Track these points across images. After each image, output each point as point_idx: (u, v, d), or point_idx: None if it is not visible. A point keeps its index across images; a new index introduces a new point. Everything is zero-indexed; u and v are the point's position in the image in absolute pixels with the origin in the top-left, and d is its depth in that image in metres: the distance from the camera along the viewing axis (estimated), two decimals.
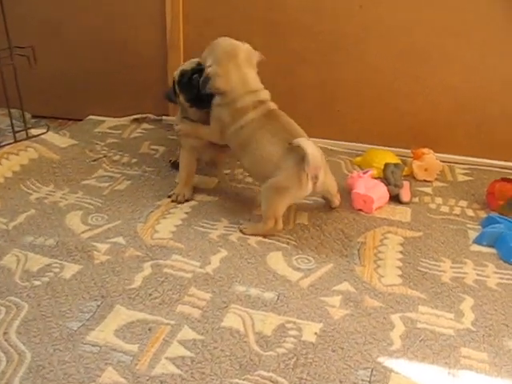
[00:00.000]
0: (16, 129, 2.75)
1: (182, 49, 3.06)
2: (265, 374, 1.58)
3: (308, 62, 2.91)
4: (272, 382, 1.55)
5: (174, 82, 2.41)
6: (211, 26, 2.93)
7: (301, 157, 2.06)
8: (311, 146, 2.06)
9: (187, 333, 1.72)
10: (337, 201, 2.41)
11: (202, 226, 2.24)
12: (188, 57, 2.98)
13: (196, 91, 2.28)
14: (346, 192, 2.50)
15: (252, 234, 2.20)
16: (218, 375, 1.57)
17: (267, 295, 1.89)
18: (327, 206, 2.43)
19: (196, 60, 2.36)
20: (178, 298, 1.85)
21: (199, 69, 2.29)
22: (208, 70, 2.23)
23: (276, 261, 2.06)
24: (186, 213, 2.33)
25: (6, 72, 2.63)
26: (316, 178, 2.11)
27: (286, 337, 1.72)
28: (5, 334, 1.72)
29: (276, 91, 2.94)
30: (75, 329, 1.73)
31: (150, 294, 1.87)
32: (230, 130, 2.24)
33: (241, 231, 2.22)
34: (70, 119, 3.35)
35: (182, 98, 2.38)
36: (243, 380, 1.56)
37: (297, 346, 1.69)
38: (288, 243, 2.17)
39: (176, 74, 2.40)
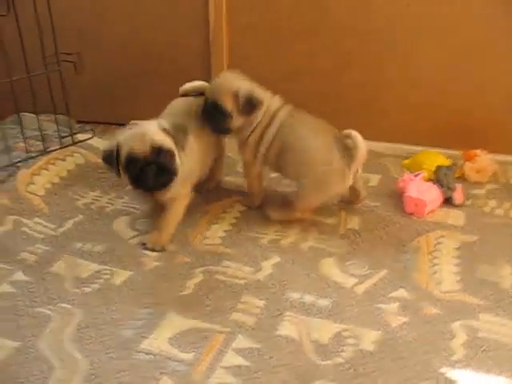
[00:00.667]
0: (62, 134, 2.75)
1: (225, 54, 3.02)
2: None
3: (354, 62, 2.85)
4: None
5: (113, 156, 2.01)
6: (255, 31, 2.91)
7: (344, 149, 2.09)
8: (360, 138, 2.07)
9: (242, 341, 1.68)
10: (364, 192, 2.37)
11: (252, 232, 2.20)
12: (232, 63, 2.98)
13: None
14: (397, 195, 2.44)
15: (278, 220, 2.25)
16: None
17: (322, 302, 1.84)
18: (354, 199, 2.38)
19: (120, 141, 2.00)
20: (231, 306, 1.82)
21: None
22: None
23: (329, 267, 2.02)
24: (235, 218, 2.29)
25: (50, 78, 2.64)
26: (357, 171, 2.12)
27: (343, 345, 1.67)
28: (60, 341, 1.71)
29: (321, 92, 2.92)
30: (128, 337, 1.71)
31: (203, 302, 1.84)
32: (262, 148, 2.22)
33: (268, 215, 2.27)
34: (112, 124, 3.34)
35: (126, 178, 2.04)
36: None
37: (355, 355, 1.64)
38: (340, 248, 2.12)
39: (123, 154, 1.97)
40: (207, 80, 3.08)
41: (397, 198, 2.43)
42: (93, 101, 3.30)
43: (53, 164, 2.62)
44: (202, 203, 2.39)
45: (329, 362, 1.61)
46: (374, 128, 2.90)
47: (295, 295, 1.86)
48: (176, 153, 1.98)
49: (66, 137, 2.73)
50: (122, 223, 2.27)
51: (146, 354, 1.64)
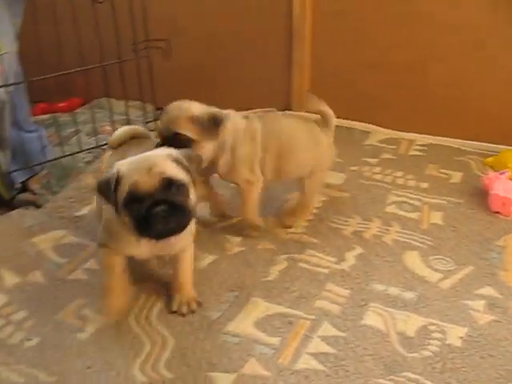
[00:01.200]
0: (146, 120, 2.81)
1: (308, 43, 3.00)
2: (411, 376, 1.52)
3: (440, 56, 2.79)
4: None
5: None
6: (340, 19, 2.88)
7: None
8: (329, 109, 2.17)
9: (328, 329, 1.68)
10: None
11: (334, 222, 2.20)
12: (314, 51, 2.97)
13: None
14: (480, 193, 2.38)
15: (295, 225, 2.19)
16: (363, 374, 1.53)
17: (407, 295, 1.82)
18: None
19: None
20: (315, 294, 1.82)
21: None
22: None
23: (412, 260, 1.99)
24: (317, 208, 2.29)
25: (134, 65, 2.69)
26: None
27: (430, 339, 1.65)
28: (146, 318, 1.75)
29: (402, 88, 2.87)
30: (214, 318, 1.74)
31: (288, 288, 1.85)
32: (257, 159, 2.05)
33: (287, 227, 2.18)
34: None
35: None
36: (388, 381, 1.51)
37: (442, 349, 1.62)
38: (423, 243, 2.09)
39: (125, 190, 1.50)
40: (291, 75, 3.11)
41: (480, 195, 2.38)
42: (175, 88, 3.33)
43: None
44: (284, 191, 2.39)
45: (416, 354, 1.59)
46: (458, 125, 2.86)
47: (380, 287, 1.85)
48: (190, 187, 1.56)
49: (150, 122, 2.78)
50: (204, 208, 2.29)
51: (233, 336, 1.67)
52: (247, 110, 3.15)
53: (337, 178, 2.51)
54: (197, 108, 1.92)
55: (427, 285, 1.88)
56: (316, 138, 2.13)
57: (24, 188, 2.52)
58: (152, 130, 2.78)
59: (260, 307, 1.77)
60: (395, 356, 1.59)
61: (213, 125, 1.89)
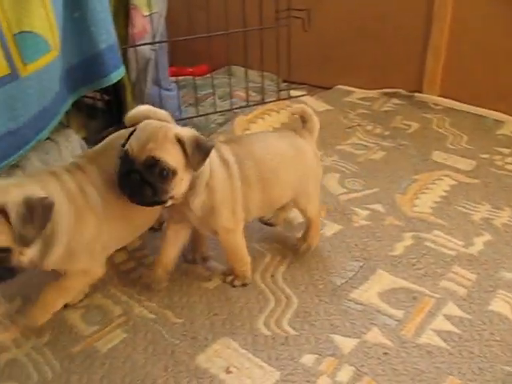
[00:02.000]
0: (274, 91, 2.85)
1: (447, 25, 2.93)
2: None
3: None
4: None
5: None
6: (482, 3, 2.78)
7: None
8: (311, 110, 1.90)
9: (453, 309, 1.67)
10: None
11: (463, 207, 2.16)
12: (453, 34, 2.90)
13: None
14: None
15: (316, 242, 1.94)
16: (488, 358, 1.51)
17: None
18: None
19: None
20: (441, 273, 1.81)
21: None
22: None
23: None
24: (445, 191, 2.25)
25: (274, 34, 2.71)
26: None
27: None
28: (272, 276, 1.81)
29: None
30: (339, 284, 1.77)
31: (413, 265, 1.84)
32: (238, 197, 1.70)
33: (309, 248, 1.92)
34: (317, 87, 3.39)
35: None
36: None
37: None
38: None
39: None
40: (423, 49, 3.03)
41: None
42: (302, 63, 3.35)
43: (268, 115, 2.74)
44: (411, 172, 2.38)
45: None
46: None
47: (509, 275, 1.80)
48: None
49: (283, 90, 2.82)
50: (332, 179, 2.32)
51: (356, 303, 1.69)
52: (372, 89, 3.15)
53: (466, 165, 2.46)
54: (179, 128, 1.56)
55: None
56: (299, 150, 1.80)
57: None
58: (283, 99, 2.83)
59: (385, 279, 1.78)
60: None
61: (201, 153, 1.52)
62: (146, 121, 1.56)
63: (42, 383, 1.48)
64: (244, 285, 1.77)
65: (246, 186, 1.68)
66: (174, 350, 1.56)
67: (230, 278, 1.79)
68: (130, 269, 1.88)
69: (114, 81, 2.28)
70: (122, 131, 1.73)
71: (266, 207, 1.81)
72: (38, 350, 1.58)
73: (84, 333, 1.63)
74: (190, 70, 3.42)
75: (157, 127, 1.51)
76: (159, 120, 1.61)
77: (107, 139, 1.77)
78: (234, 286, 1.77)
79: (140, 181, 1.48)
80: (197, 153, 1.50)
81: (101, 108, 2.57)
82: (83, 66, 2.21)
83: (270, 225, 2.04)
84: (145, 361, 1.53)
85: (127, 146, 1.50)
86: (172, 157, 1.48)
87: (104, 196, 1.59)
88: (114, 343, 1.59)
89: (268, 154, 1.73)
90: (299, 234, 1.97)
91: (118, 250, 1.81)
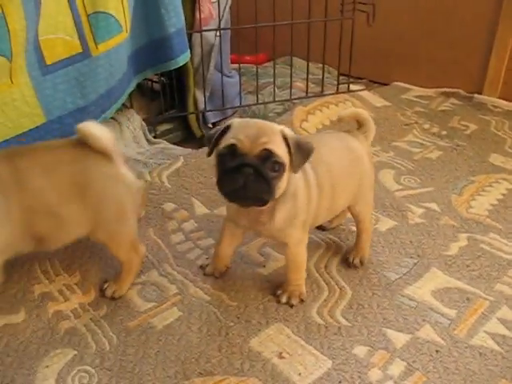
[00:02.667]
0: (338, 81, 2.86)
1: None
2: None
3: None
4: None
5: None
6: None
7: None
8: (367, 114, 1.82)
9: (507, 313, 1.66)
10: None
11: None
12: None
13: None
14: None
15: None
16: None
17: None
18: None
19: None
20: (496, 276, 1.80)
21: None
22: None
23: None
24: (503, 194, 2.24)
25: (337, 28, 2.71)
26: None
27: None
28: (326, 267, 1.83)
29: None
30: (393, 279, 1.78)
31: (468, 266, 1.84)
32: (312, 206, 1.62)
33: (356, 265, 1.84)
34: (374, 82, 3.39)
35: None
36: None
37: None
38: None
39: None
40: (487, 50, 2.98)
41: None
42: (359, 56, 3.34)
43: (326, 107, 2.75)
44: (468, 173, 2.36)
45: None
46: None
47: None
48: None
49: (342, 84, 2.83)
50: (388, 175, 2.32)
51: (410, 299, 1.70)
52: (428, 87, 3.12)
53: None
54: (284, 127, 1.49)
55: None
56: (357, 154, 1.73)
57: None
58: (343, 92, 2.84)
59: (439, 278, 1.78)
60: None
61: (303, 154, 1.47)
62: (245, 119, 1.51)
63: (100, 353, 1.53)
64: (302, 301, 1.69)
65: (320, 194, 1.62)
66: (228, 331, 1.59)
67: (284, 298, 1.69)
68: (186, 250, 1.91)
69: (180, 64, 2.34)
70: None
71: (330, 215, 1.78)
72: (96, 321, 1.63)
73: (140, 308, 1.68)
74: (249, 58, 3.45)
75: (262, 122, 1.48)
76: (100, 146, 1.55)
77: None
78: (291, 306, 1.68)
79: (254, 174, 1.40)
80: (298, 153, 1.45)
81: (160, 91, 2.61)
82: (151, 48, 2.26)
83: (323, 229, 2.00)
84: (199, 340, 1.57)
85: (234, 141, 1.42)
86: (282, 151, 1.43)
87: None
88: (169, 321, 1.63)
89: (335, 158, 1.67)
90: (354, 227, 1.98)
91: (174, 231, 1.86)
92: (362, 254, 1.85)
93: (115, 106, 2.20)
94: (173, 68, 2.35)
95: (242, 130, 1.43)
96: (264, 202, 1.47)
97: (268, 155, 1.40)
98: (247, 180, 1.40)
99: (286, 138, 1.44)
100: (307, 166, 1.55)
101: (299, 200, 1.55)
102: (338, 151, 1.71)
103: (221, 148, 1.44)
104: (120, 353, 1.53)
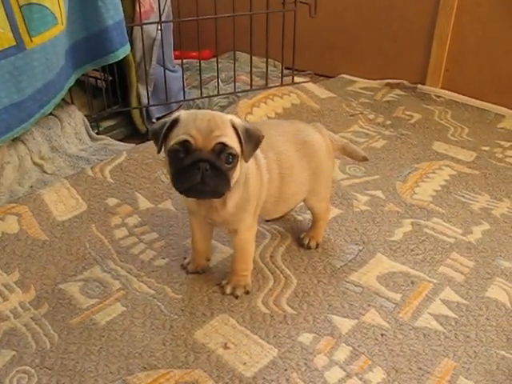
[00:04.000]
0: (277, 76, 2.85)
1: (454, 14, 2.91)
2: None
3: None
4: None
5: None
6: None
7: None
8: None
9: (450, 294, 1.68)
10: None
11: (463, 196, 2.17)
12: (459, 24, 2.89)
13: None
14: None
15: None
16: (484, 343, 1.52)
17: None
18: None
19: None
20: (439, 259, 1.82)
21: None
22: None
23: None
24: (445, 180, 2.26)
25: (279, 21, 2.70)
26: None
27: None
28: (271, 257, 1.82)
29: None
30: (338, 267, 1.78)
31: (412, 250, 1.86)
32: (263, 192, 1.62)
33: (311, 247, 1.86)
34: (320, 75, 3.39)
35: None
36: (511, 354, 1.49)
37: None
38: None
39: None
40: (428, 41, 3.02)
41: None
42: (305, 49, 3.30)
43: (271, 99, 2.74)
44: (412, 161, 2.39)
45: None
46: None
47: (507, 264, 1.82)
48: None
49: (287, 76, 2.82)
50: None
51: (355, 285, 1.71)
52: (374, 79, 3.15)
53: (466, 156, 2.47)
54: (232, 116, 1.49)
55: None
56: (313, 144, 1.71)
57: None
58: (287, 85, 2.83)
59: (384, 263, 1.79)
60: None
61: (252, 142, 1.47)
62: (192, 111, 1.50)
63: (40, 353, 1.49)
64: (247, 292, 1.67)
65: (270, 179, 1.61)
66: (172, 324, 1.57)
67: (229, 289, 1.67)
68: (130, 244, 1.88)
69: (120, 57, 2.29)
70: None
71: (280, 206, 1.74)
72: (36, 320, 1.59)
73: (83, 305, 1.64)
74: (194, 54, 3.41)
75: (211, 114, 1.45)
76: None
77: None
78: (236, 297, 1.66)
79: (210, 169, 1.39)
80: (248, 142, 1.44)
81: (103, 88, 2.57)
82: (89, 41, 2.22)
83: (268, 220, 1.96)
84: (143, 334, 1.54)
85: (186, 137, 1.39)
86: (234, 142, 1.42)
87: None
88: (112, 316, 1.60)
89: (285, 149, 1.66)
90: (300, 217, 1.98)
91: (117, 226, 1.82)
92: (317, 238, 1.86)
93: (54, 101, 2.15)
94: (113, 62, 2.30)
95: (192, 124, 1.41)
96: (221, 194, 1.47)
97: (222, 148, 1.40)
98: (204, 175, 1.40)
99: (235, 128, 1.44)
100: (258, 151, 1.55)
101: (251, 184, 1.55)
102: (290, 142, 1.68)
103: (172, 144, 1.42)
104: (61, 351, 1.49)
